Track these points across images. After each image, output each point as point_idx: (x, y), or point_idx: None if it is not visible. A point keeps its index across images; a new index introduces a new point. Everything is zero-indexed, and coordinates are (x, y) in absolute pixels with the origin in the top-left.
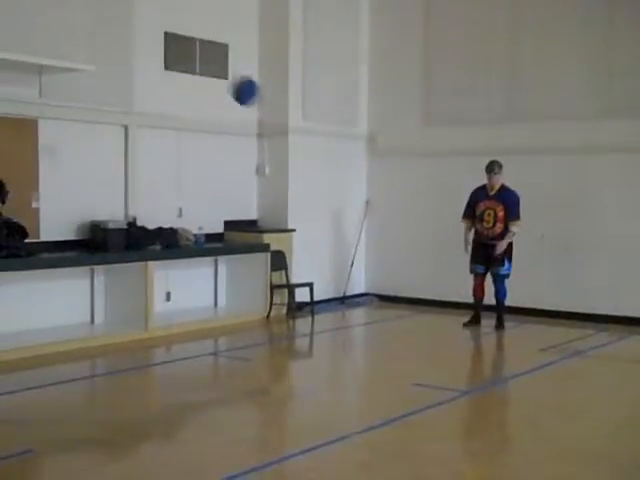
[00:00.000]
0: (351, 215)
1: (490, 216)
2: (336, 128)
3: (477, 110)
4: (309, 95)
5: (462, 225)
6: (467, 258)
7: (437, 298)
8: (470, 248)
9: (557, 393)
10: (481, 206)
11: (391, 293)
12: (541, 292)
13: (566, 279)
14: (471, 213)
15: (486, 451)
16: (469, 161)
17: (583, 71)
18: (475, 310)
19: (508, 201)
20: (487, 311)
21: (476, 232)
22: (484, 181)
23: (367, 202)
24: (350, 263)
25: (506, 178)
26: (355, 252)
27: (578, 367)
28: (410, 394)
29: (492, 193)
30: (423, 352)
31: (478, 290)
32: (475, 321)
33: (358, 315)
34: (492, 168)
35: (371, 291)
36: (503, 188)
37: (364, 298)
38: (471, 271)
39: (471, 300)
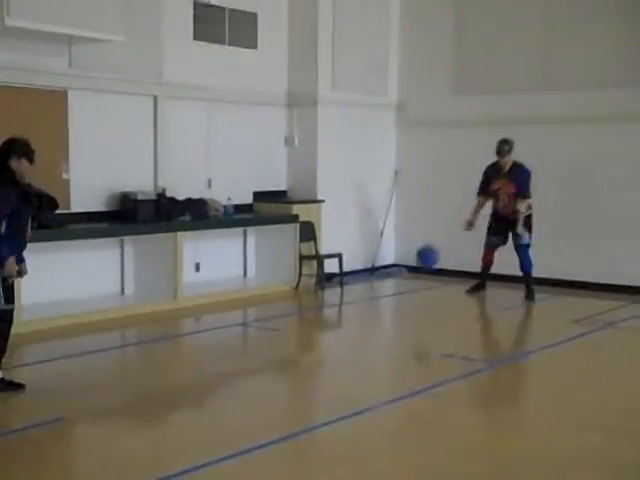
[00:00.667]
0: (380, 186)
1: (504, 194)
2: (365, 98)
3: (508, 79)
4: (338, 65)
5: (475, 201)
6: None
7: (466, 269)
8: (472, 226)
9: (589, 364)
10: (495, 184)
11: (420, 264)
12: (571, 263)
13: (595, 250)
14: (486, 190)
15: (515, 421)
16: (499, 130)
17: (616, 38)
18: (481, 277)
19: (519, 179)
20: (510, 281)
21: (494, 207)
22: (520, 150)
23: (396, 172)
24: (379, 234)
25: (537, 148)
26: (384, 223)
27: (610, 338)
28: (439, 365)
29: (504, 171)
30: (452, 323)
31: (488, 257)
32: (480, 287)
33: (387, 286)
34: (500, 151)
35: (400, 262)
36: (514, 165)
37: (393, 269)
38: (487, 244)
39: (495, 271)
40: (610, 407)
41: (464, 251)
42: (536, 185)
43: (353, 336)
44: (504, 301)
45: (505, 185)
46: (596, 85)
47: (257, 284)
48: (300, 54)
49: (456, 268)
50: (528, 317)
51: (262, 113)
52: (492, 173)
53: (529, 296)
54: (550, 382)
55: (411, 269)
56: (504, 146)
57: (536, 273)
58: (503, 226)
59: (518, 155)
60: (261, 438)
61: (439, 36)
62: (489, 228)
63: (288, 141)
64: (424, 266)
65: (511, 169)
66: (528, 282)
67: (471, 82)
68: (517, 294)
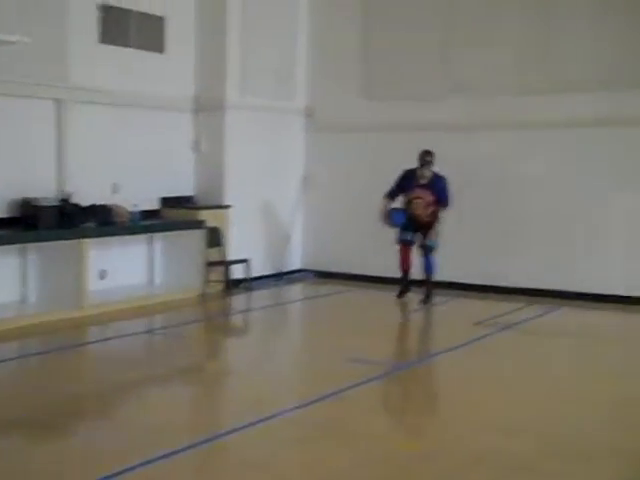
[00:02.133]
0: (288, 191)
1: (419, 204)
2: (274, 103)
3: (415, 84)
4: (246, 70)
5: (382, 203)
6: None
7: (373, 274)
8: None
9: (490, 366)
10: (410, 194)
11: (328, 269)
12: (471, 266)
13: (494, 253)
14: (397, 195)
15: (419, 425)
16: (407, 136)
17: (517, 48)
18: (403, 282)
19: (438, 189)
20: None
21: (409, 211)
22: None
23: (305, 178)
24: (287, 239)
25: (445, 154)
26: (292, 228)
27: (510, 340)
28: (345, 369)
29: (422, 182)
30: (358, 328)
31: (407, 261)
32: (407, 291)
33: (294, 291)
34: (424, 163)
35: (308, 267)
36: (434, 175)
37: (301, 274)
38: (399, 239)
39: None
40: (510, 407)
41: (372, 256)
42: None
43: (260, 342)
44: (408, 305)
45: (423, 195)
46: (499, 91)
47: (164, 291)
48: (207, 59)
49: (364, 273)
50: (432, 320)
51: (169, 118)
52: (408, 183)
53: (427, 300)
54: (453, 384)
55: (318, 274)
56: (427, 157)
57: (438, 277)
58: (415, 224)
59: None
60: (168, 446)
61: (347, 41)
62: (401, 225)
63: (195, 146)
64: (393, 223)
65: (430, 179)
66: (429, 285)
67: (379, 87)
68: (419, 298)
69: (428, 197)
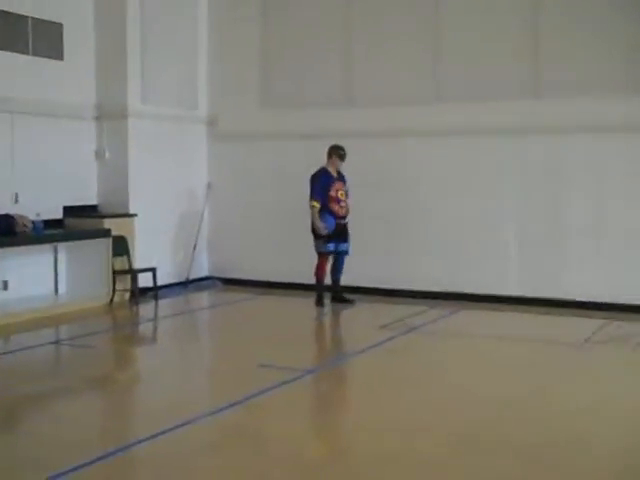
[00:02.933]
0: (193, 199)
1: (343, 195)
2: (176, 111)
3: (315, 93)
4: (148, 78)
5: (314, 207)
6: (308, 239)
7: (280, 280)
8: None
9: (395, 368)
10: (335, 188)
11: (235, 276)
12: (376, 271)
13: (400, 257)
14: (325, 195)
15: (329, 427)
16: (307, 144)
17: (413, 56)
18: (323, 290)
19: (344, 182)
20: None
21: (332, 212)
22: (320, 163)
23: (208, 185)
24: (193, 247)
25: (346, 160)
26: (197, 236)
27: (414, 342)
28: (255, 375)
29: (336, 176)
30: (267, 333)
31: (325, 267)
32: (343, 300)
33: (202, 299)
34: (344, 156)
35: (215, 274)
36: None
37: (208, 282)
38: (327, 250)
39: (308, 281)
40: (416, 407)
41: (279, 263)
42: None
43: (169, 350)
44: (312, 310)
45: (342, 187)
46: (396, 102)
47: (69, 301)
48: (108, 66)
49: (271, 279)
50: (339, 324)
51: (71, 126)
52: (329, 178)
53: (346, 300)
54: (361, 386)
55: (225, 281)
56: (344, 151)
57: (344, 281)
58: (340, 231)
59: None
60: (78, 459)
61: (247, 51)
62: (329, 235)
63: (98, 155)
64: (327, 228)
65: (339, 173)
66: (339, 287)
67: (279, 97)
68: (326, 302)
69: (344, 189)
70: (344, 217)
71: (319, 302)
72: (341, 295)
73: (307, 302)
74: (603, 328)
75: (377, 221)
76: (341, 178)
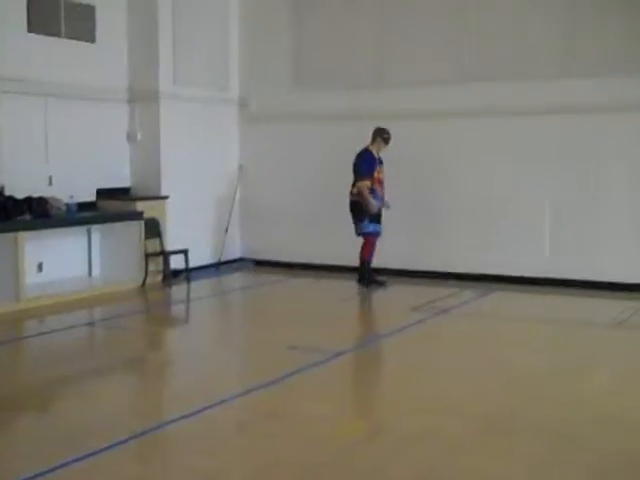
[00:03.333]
0: (225, 180)
1: (384, 179)
2: (208, 93)
3: (346, 74)
4: (180, 60)
5: (366, 185)
6: (340, 220)
7: (312, 262)
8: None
9: (426, 350)
10: (378, 170)
11: (267, 258)
12: (408, 252)
13: (432, 239)
14: (373, 174)
15: (360, 407)
16: (339, 125)
17: (437, 39)
18: (369, 271)
19: (383, 165)
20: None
21: (374, 192)
22: (358, 144)
23: (240, 167)
24: (225, 229)
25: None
26: (229, 218)
27: (445, 324)
28: (286, 357)
29: (379, 158)
30: (298, 315)
31: (374, 247)
32: (379, 283)
33: (234, 280)
34: (390, 138)
35: (247, 256)
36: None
37: (240, 263)
38: (371, 231)
39: (340, 263)
40: (447, 389)
41: (310, 245)
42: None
43: (201, 332)
44: (345, 292)
45: (382, 171)
46: (427, 82)
47: (103, 283)
48: (140, 49)
49: (303, 261)
50: (371, 307)
51: (103, 109)
52: (375, 161)
53: (374, 281)
54: (392, 368)
55: (257, 263)
56: (389, 135)
57: (376, 262)
58: (379, 212)
59: (360, 147)
60: (112, 437)
61: (279, 31)
62: (373, 216)
63: (130, 137)
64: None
65: (379, 156)
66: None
67: (311, 77)
68: (354, 285)
69: (384, 172)
70: (382, 199)
71: (367, 281)
72: (374, 277)
73: (339, 284)
74: (639, 311)
75: (410, 202)
76: (381, 162)
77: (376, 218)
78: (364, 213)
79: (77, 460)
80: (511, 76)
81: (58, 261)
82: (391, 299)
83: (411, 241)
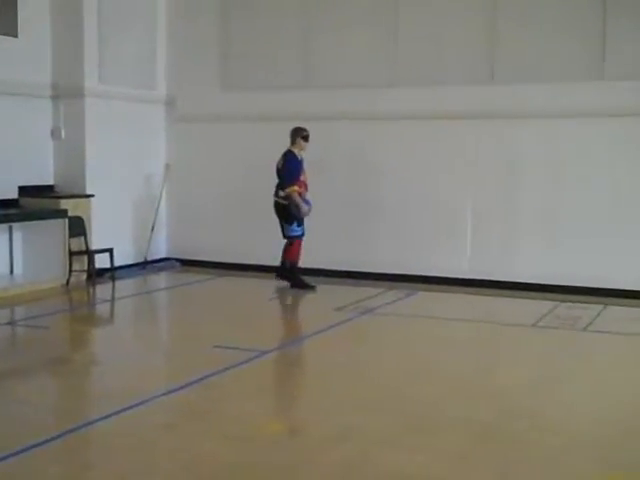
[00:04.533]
0: (151, 180)
1: (306, 180)
2: (134, 91)
3: (272, 75)
4: (106, 57)
5: (294, 191)
6: (265, 221)
7: (237, 262)
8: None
9: (350, 349)
10: (303, 173)
11: (193, 257)
12: (333, 253)
13: (358, 240)
14: (299, 178)
15: (284, 406)
16: (266, 126)
17: (370, 39)
18: (293, 272)
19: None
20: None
21: (300, 195)
22: (279, 146)
23: (166, 166)
24: (151, 228)
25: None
26: (156, 216)
27: (369, 324)
28: (211, 356)
29: (300, 159)
30: (224, 315)
31: (298, 249)
32: (306, 286)
33: (159, 280)
34: (309, 136)
35: (173, 255)
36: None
37: (165, 263)
38: (299, 234)
39: (265, 263)
40: (367, 388)
41: (236, 244)
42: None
43: (126, 331)
44: (271, 291)
45: (304, 172)
46: (354, 84)
47: (25, 281)
48: (65, 44)
49: (229, 261)
50: (296, 307)
51: (26, 105)
52: (300, 164)
53: (305, 284)
54: (316, 367)
55: (183, 262)
56: (308, 132)
57: (301, 263)
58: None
59: (283, 149)
60: (33, 438)
61: (206, 31)
62: (301, 219)
63: (55, 134)
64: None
65: (301, 156)
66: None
67: (238, 78)
68: (282, 284)
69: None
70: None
71: (303, 285)
72: (303, 280)
73: (264, 284)
74: (554, 310)
75: (335, 203)
76: (302, 161)
77: (302, 220)
78: (294, 217)
79: None
80: (437, 81)
81: None
82: (316, 299)
83: (339, 242)
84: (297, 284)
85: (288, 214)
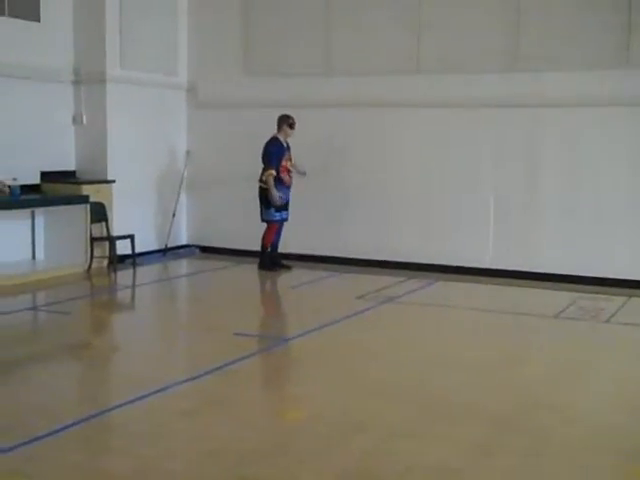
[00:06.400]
0: (172, 166)
1: (291, 166)
2: (156, 77)
3: (295, 62)
4: (127, 42)
5: (271, 175)
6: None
7: (257, 249)
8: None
9: (370, 338)
10: (286, 158)
11: (213, 244)
12: (357, 241)
13: (379, 228)
14: (279, 164)
15: (302, 394)
16: (288, 112)
17: (394, 30)
18: (273, 255)
19: (290, 152)
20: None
21: (282, 181)
22: (305, 131)
23: (187, 152)
24: (172, 214)
25: (323, 130)
26: (176, 203)
27: (390, 312)
28: (232, 343)
29: (286, 145)
30: (244, 302)
31: (275, 233)
32: (283, 266)
33: (180, 266)
34: (294, 125)
35: (193, 242)
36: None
37: (186, 249)
38: (277, 219)
39: (286, 250)
40: (387, 376)
41: (256, 231)
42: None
43: (146, 318)
44: (292, 280)
45: (290, 157)
46: (375, 72)
47: (47, 267)
48: (87, 30)
49: (248, 248)
50: (317, 295)
51: (48, 90)
52: (282, 149)
53: (270, 266)
54: (336, 355)
55: (203, 249)
56: (294, 120)
57: (320, 251)
58: (286, 200)
59: (306, 135)
60: (55, 423)
61: (228, 17)
62: (279, 205)
63: (76, 120)
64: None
65: (287, 142)
66: (276, 253)
67: (260, 64)
68: (303, 273)
69: (290, 158)
70: (289, 187)
71: (268, 266)
72: (280, 261)
73: (285, 271)
74: (576, 301)
75: (358, 191)
76: (289, 148)
77: (283, 206)
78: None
79: (20, 445)
80: (457, 68)
81: (1, 244)
82: (337, 287)
83: (361, 230)
84: (263, 265)
85: (265, 198)
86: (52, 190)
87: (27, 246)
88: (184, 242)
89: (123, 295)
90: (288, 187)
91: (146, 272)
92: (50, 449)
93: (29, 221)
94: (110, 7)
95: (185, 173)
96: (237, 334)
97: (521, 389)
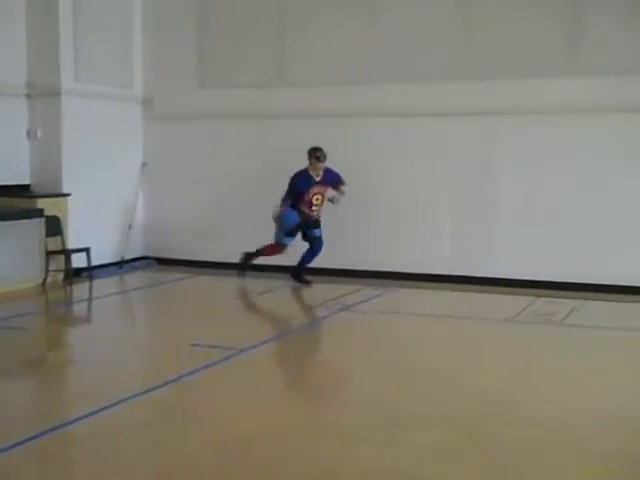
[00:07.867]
0: (128, 178)
1: (318, 200)
2: (111, 90)
3: (249, 73)
4: (82, 55)
5: (282, 208)
6: (242, 220)
7: (214, 260)
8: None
9: (325, 345)
10: (311, 193)
11: (169, 256)
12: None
13: (337, 237)
14: (297, 200)
15: (259, 404)
16: (243, 124)
17: (347, 42)
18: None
19: (333, 179)
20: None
21: (301, 213)
22: (261, 142)
23: (143, 165)
24: (128, 227)
25: (282, 140)
26: (133, 215)
27: (346, 320)
28: (188, 354)
29: (318, 179)
30: (200, 313)
31: (275, 252)
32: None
33: (136, 279)
34: (324, 157)
35: (150, 254)
36: (326, 170)
37: (143, 262)
38: (283, 242)
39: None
40: (343, 384)
41: (211, 242)
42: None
43: (103, 331)
44: (246, 289)
45: (322, 191)
46: (328, 82)
47: (1, 281)
48: (40, 43)
49: (205, 259)
50: (274, 305)
51: (1, 104)
52: (306, 183)
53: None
54: (291, 365)
55: (160, 261)
56: (324, 154)
57: (281, 262)
58: (303, 227)
59: (260, 146)
60: (9, 439)
61: (183, 30)
62: (289, 231)
63: (30, 134)
64: (287, 224)
65: (324, 174)
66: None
67: (215, 76)
68: (262, 281)
69: (326, 192)
70: (313, 217)
71: (240, 272)
72: (304, 276)
73: (242, 282)
74: (531, 305)
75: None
76: (324, 181)
77: (293, 233)
78: (284, 229)
79: None
80: (412, 78)
81: None
82: (293, 296)
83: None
84: (241, 267)
85: (280, 220)
86: (6, 204)
87: None
88: (141, 254)
89: (79, 309)
90: (309, 218)
91: (102, 285)
92: (5, 465)
93: None
94: (64, 20)
95: (141, 185)
96: (194, 345)
97: (476, 394)
